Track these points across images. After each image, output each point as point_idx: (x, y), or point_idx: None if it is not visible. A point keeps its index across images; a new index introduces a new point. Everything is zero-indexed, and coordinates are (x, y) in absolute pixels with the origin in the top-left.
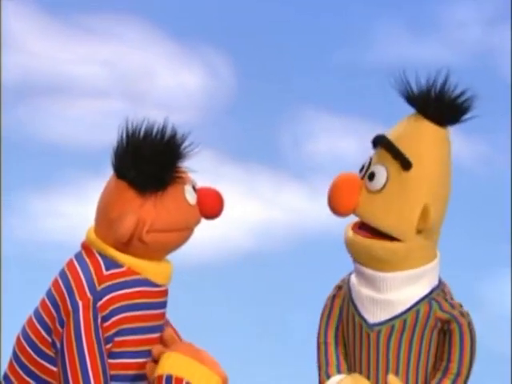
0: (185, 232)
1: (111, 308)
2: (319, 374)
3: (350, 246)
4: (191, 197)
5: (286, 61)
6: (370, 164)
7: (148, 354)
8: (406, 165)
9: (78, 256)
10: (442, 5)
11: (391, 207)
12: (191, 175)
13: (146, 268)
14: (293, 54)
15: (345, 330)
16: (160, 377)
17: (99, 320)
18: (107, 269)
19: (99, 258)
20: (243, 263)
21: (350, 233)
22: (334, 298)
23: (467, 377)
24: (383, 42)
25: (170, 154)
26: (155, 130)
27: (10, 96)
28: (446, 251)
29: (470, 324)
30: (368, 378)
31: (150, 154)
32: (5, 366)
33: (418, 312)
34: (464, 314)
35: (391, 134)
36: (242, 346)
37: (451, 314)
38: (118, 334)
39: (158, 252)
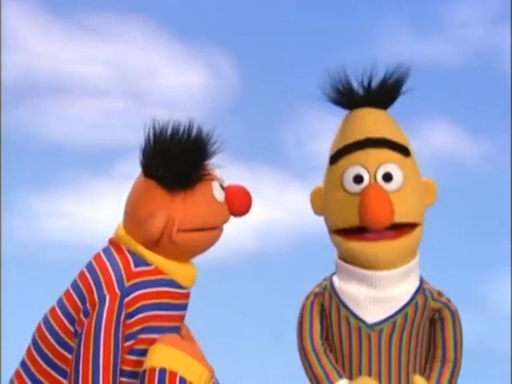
0: (213, 232)
1: (137, 305)
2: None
3: (383, 255)
4: (219, 194)
5: (289, 60)
6: (367, 169)
7: None
8: (406, 152)
9: (107, 251)
10: (445, 4)
11: (413, 197)
12: (218, 173)
13: (174, 269)
14: (296, 53)
15: (335, 334)
16: (152, 369)
17: (123, 316)
18: (136, 266)
19: (128, 255)
20: (246, 263)
21: (368, 244)
22: (312, 305)
23: (461, 361)
24: (387, 41)
25: (198, 152)
26: (182, 129)
27: (11, 95)
28: (449, 250)
29: (457, 311)
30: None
31: (177, 152)
32: (6, 362)
33: (416, 304)
34: (450, 300)
35: (362, 134)
36: (245, 346)
37: (442, 301)
38: (142, 331)
39: (186, 253)
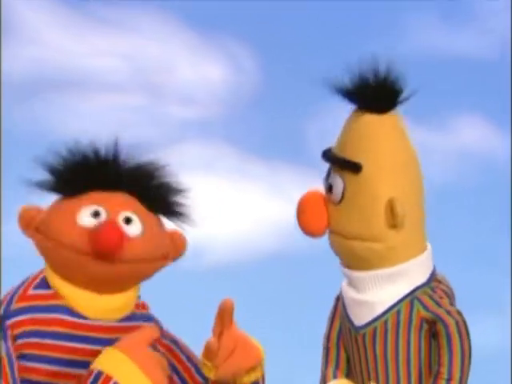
0: (79, 256)
1: (20, 330)
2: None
3: (334, 249)
4: (85, 220)
5: (313, 52)
6: (328, 176)
7: None
8: (355, 169)
9: (36, 271)
10: None
11: (354, 214)
12: (117, 204)
13: (71, 295)
14: (320, 45)
15: (343, 333)
16: (90, 371)
17: (8, 333)
18: (35, 288)
19: (41, 275)
20: (267, 264)
21: (332, 235)
22: (338, 299)
23: (462, 379)
24: (416, 33)
25: (76, 167)
26: (96, 145)
27: (24, 91)
28: (477, 250)
29: (458, 323)
30: (362, 382)
31: (63, 157)
32: None
33: (398, 313)
34: (452, 313)
35: (337, 140)
36: (265, 348)
37: (435, 313)
38: (19, 358)
39: (68, 270)
